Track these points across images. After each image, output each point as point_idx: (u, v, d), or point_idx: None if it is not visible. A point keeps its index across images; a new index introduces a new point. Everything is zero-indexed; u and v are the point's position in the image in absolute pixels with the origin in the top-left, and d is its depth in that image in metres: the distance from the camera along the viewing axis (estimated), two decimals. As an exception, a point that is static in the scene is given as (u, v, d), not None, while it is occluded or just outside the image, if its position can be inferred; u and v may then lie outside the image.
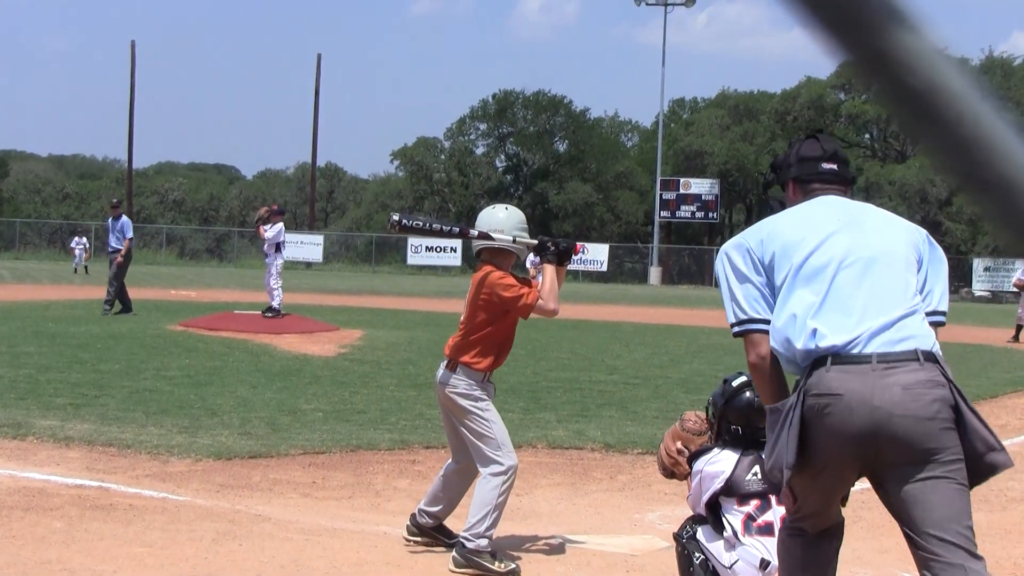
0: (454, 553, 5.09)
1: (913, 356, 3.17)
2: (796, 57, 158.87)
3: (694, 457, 4.66)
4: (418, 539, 5.44)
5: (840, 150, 3.70)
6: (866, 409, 3.12)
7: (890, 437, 3.12)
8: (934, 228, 57.53)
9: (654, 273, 57.90)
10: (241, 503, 6.13)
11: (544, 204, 70.02)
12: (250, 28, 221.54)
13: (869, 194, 58.54)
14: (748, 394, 4.57)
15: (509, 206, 5.44)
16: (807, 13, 0.76)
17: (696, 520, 4.63)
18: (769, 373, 3.39)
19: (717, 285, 3.59)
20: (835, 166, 3.60)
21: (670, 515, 6.21)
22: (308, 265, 55.61)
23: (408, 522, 5.48)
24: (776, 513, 4.41)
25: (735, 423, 4.59)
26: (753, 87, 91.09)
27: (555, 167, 72.92)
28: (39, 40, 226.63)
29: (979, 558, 3.12)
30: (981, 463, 3.16)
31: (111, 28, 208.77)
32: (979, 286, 52.25)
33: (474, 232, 5.27)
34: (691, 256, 63.11)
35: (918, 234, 3.47)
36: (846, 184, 3.63)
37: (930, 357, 3.19)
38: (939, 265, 3.45)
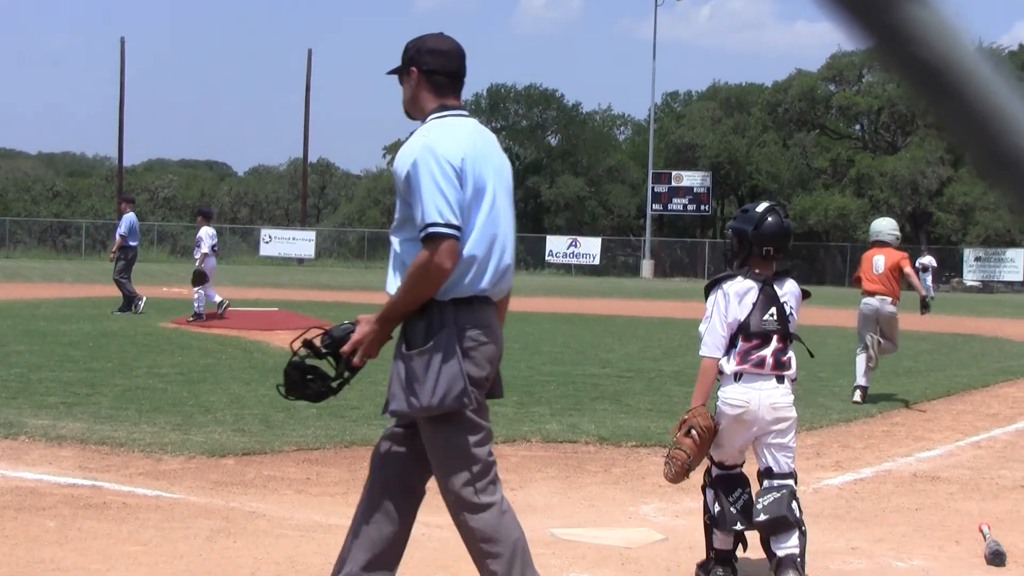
0: None
1: None
2: (787, 49, 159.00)
3: (713, 284, 4.77)
4: None
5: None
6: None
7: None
8: (925, 218, 57.61)
9: (646, 266, 57.92)
10: (235, 500, 6.12)
11: (536, 198, 70.02)
12: (241, 23, 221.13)
13: (860, 185, 58.67)
14: (773, 218, 4.74)
15: None
16: None
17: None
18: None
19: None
20: None
21: (665, 508, 6.22)
22: (300, 261, 55.54)
23: None
24: (770, 349, 4.63)
25: (768, 245, 4.71)
26: (744, 79, 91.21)
27: (547, 161, 72.90)
28: (28, 37, 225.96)
29: None
30: None
31: (100, 25, 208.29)
32: (970, 276, 52.36)
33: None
34: (683, 249, 63.13)
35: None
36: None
37: None
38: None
